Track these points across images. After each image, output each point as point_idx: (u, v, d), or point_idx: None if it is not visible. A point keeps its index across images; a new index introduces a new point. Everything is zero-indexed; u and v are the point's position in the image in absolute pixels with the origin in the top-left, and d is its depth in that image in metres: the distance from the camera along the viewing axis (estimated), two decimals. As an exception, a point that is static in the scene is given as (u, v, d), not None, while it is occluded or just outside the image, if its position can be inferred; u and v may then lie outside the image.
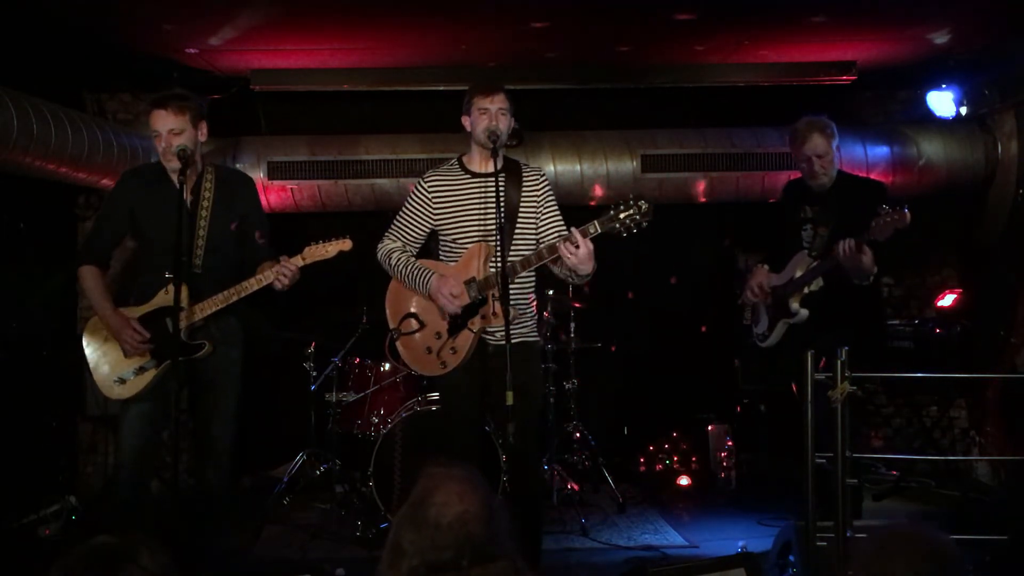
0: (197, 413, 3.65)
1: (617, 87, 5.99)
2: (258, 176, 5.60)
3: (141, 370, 3.54)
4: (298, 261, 3.51)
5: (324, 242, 3.55)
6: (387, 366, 4.99)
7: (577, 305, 5.47)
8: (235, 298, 3.52)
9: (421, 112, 5.96)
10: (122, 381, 3.54)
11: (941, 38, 5.03)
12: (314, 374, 5.30)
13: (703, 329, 6.32)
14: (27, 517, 4.72)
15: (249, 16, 4.50)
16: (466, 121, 3.59)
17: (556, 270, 3.53)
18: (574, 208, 5.05)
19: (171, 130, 3.49)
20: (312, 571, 3.72)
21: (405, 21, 4.68)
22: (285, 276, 3.48)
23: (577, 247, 3.26)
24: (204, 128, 3.60)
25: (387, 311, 3.72)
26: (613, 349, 6.10)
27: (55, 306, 5.32)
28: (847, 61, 5.51)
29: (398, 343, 3.66)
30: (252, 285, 3.52)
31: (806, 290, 4.21)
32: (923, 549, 1.79)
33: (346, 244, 3.55)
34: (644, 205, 3.28)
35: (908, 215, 3.72)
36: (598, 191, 5.76)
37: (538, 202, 3.62)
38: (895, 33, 5.03)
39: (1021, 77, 5.37)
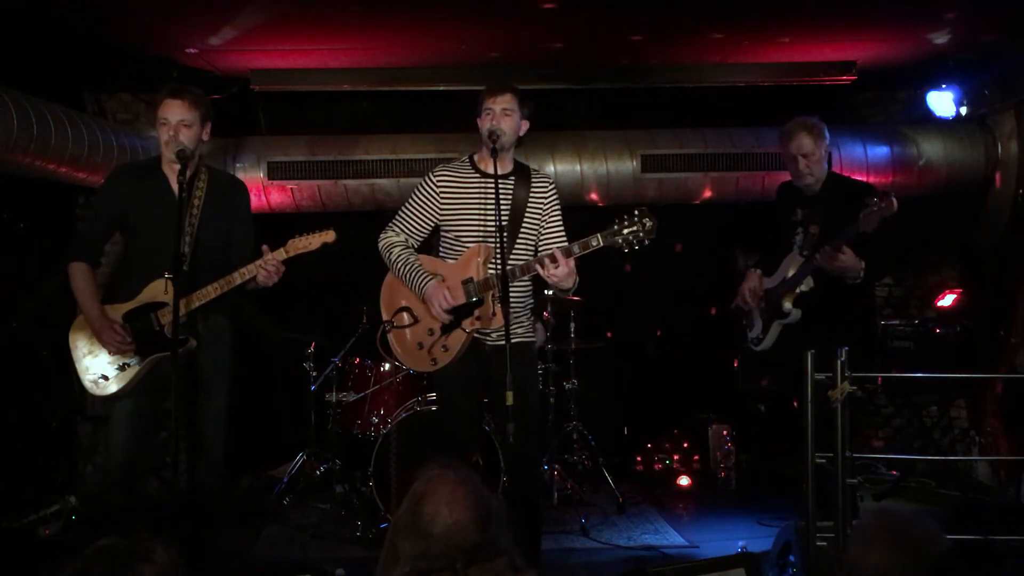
0: (190, 412, 3.64)
1: (617, 87, 5.99)
2: (258, 176, 5.60)
3: (124, 367, 3.53)
4: (280, 254, 3.50)
5: (307, 235, 3.54)
6: (387, 366, 4.99)
7: (576, 299, 5.45)
8: (219, 292, 3.51)
9: (421, 112, 5.96)
10: (105, 378, 3.54)
11: (941, 38, 5.03)
12: (314, 374, 5.31)
13: (712, 311, 6.28)
14: (27, 517, 4.72)
15: (249, 16, 4.50)
16: (478, 121, 3.60)
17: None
18: (573, 208, 5.07)
19: (181, 120, 3.50)
20: (312, 571, 3.72)
21: (405, 21, 4.68)
22: (267, 269, 3.47)
23: (557, 266, 3.29)
24: (208, 129, 3.62)
25: (381, 303, 3.73)
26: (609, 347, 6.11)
27: (55, 306, 5.32)
28: (847, 61, 5.50)
29: (390, 336, 3.66)
30: (236, 279, 3.51)
31: (798, 290, 4.21)
32: (910, 538, 1.79)
33: (329, 236, 3.53)
34: (648, 222, 3.29)
35: (895, 202, 3.73)
36: (594, 195, 5.75)
37: (544, 210, 3.64)
38: (895, 33, 5.03)
39: (1021, 77, 5.37)
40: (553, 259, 3.30)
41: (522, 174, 3.62)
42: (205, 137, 3.62)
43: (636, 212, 3.30)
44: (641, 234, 3.28)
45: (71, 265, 3.61)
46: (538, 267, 3.34)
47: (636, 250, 3.31)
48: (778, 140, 4.36)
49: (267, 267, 3.47)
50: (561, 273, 3.30)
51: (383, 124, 5.97)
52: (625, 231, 3.29)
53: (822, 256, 3.96)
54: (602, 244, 3.32)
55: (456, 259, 3.58)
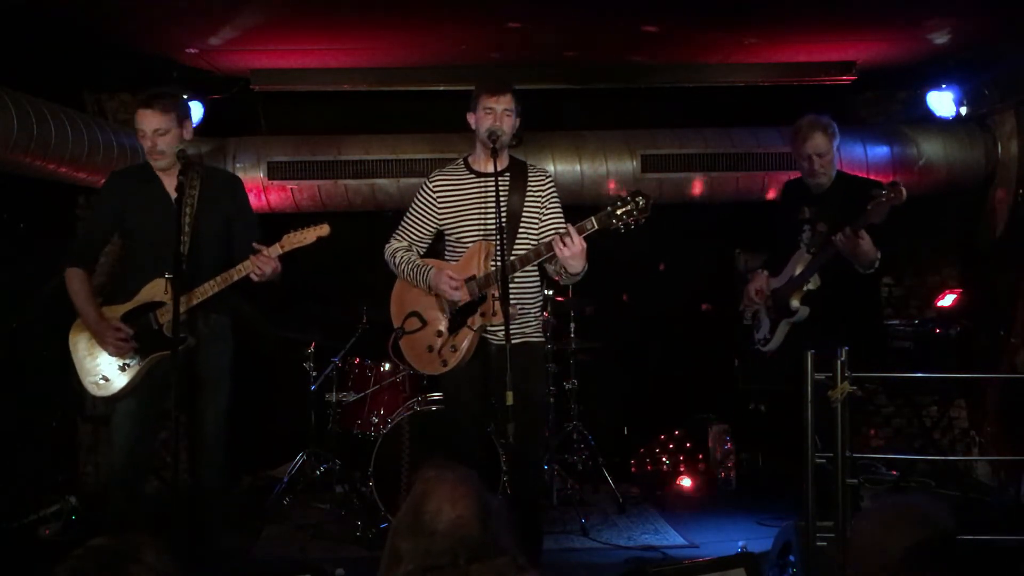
0: (189, 412, 3.65)
1: (617, 87, 5.99)
2: (258, 176, 5.60)
3: (124, 367, 3.54)
4: (276, 249, 3.50)
5: (302, 229, 3.54)
6: (387, 366, 4.99)
7: (588, 311, 5.48)
8: (217, 288, 3.51)
9: (421, 112, 5.95)
10: (106, 379, 3.56)
11: (941, 38, 5.03)
12: (314, 374, 5.30)
13: (705, 307, 6.28)
14: (27, 517, 4.72)
15: (249, 16, 4.50)
16: (471, 118, 3.60)
17: (549, 268, 3.55)
18: (574, 209, 5.06)
19: (156, 130, 3.51)
20: (312, 571, 3.72)
21: (405, 21, 4.68)
22: (262, 265, 3.47)
23: (572, 241, 3.26)
24: (189, 127, 3.63)
25: (391, 310, 3.74)
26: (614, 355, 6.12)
27: (54, 306, 5.32)
28: (847, 61, 5.51)
29: (401, 342, 3.66)
30: (233, 275, 3.52)
31: (805, 288, 4.20)
32: (919, 520, 1.80)
33: (323, 230, 3.54)
34: (641, 201, 3.27)
35: (904, 191, 3.73)
36: (612, 185, 5.75)
37: (541, 203, 3.63)
38: (895, 33, 5.03)
39: (1021, 77, 5.37)
40: (567, 234, 3.28)
41: (518, 170, 3.62)
42: (187, 136, 3.62)
43: (629, 193, 3.30)
44: (636, 213, 3.26)
45: (67, 271, 3.63)
46: (556, 243, 3.29)
47: (632, 230, 3.29)
48: (790, 139, 4.34)
49: (261, 262, 3.46)
50: (575, 250, 3.27)
51: (383, 124, 5.97)
52: (619, 211, 3.27)
53: (842, 238, 3.90)
54: (597, 227, 3.30)
55: (458, 260, 3.58)
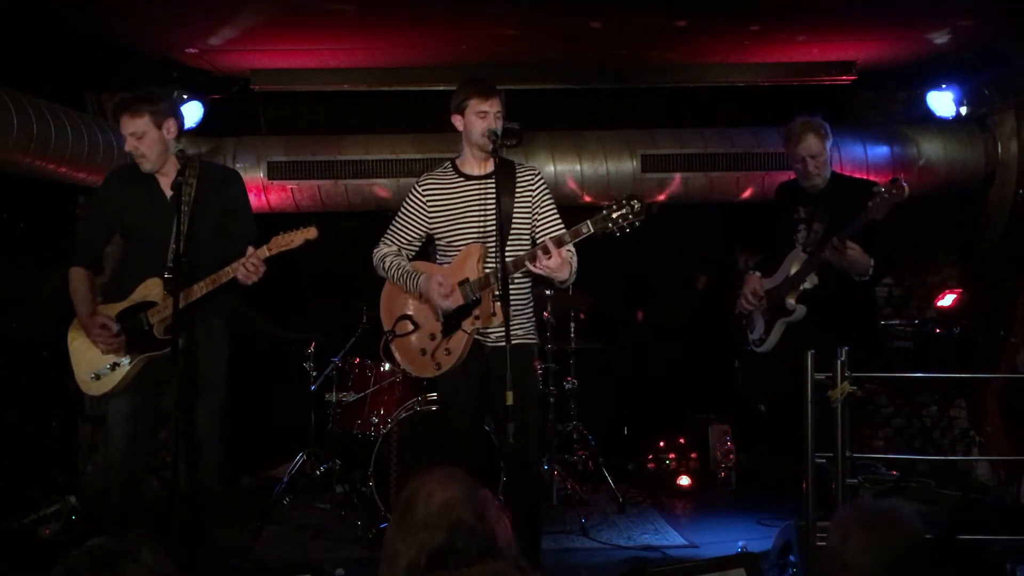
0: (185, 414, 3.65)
1: (617, 87, 5.99)
2: (258, 176, 5.61)
3: (115, 366, 3.55)
4: (263, 252, 3.48)
5: (290, 232, 3.52)
6: (387, 366, 4.99)
7: (583, 316, 5.48)
8: (206, 289, 3.50)
9: (421, 112, 5.95)
10: (97, 377, 3.57)
11: (941, 38, 5.04)
12: (314, 374, 5.30)
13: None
14: (27, 517, 4.72)
15: (249, 16, 4.50)
16: (457, 121, 3.57)
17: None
18: (573, 208, 5.07)
19: (132, 133, 3.51)
20: (312, 571, 3.72)
21: (405, 21, 4.68)
22: (248, 267, 3.46)
23: (549, 257, 3.26)
24: (171, 125, 3.58)
25: (382, 313, 3.72)
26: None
27: (54, 306, 5.32)
28: (847, 61, 5.51)
29: (392, 345, 3.66)
30: (222, 277, 3.50)
31: (802, 287, 4.20)
32: (888, 528, 1.81)
33: (311, 233, 3.52)
34: (637, 204, 3.27)
35: (905, 187, 3.73)
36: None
37: (532, 201, 3.60)
38: (895, 33, 5.03)
39: (1021, 77, 5.37)
40: (545, 250, 3.28)
41: (506, 170, 3.59)
42: (169, 135, 3.58)
43: (624, 197, 3.30)
44: (631, 216, 3.26)
45: (70, 270, 3.66)
46: (528, 263, 3.31)
47: (627, 232, 3.29)
48: (783, 141, 4.35)
49: (248, 265, 3.45)
50: (554, 264, 3.27)
51: (383, 124, 5.97)
52: (615, 215, 3.27)
53: (830, 250, 3.93)
54: (593, 230, 3.30)
55: (451, 262, 3.58)
